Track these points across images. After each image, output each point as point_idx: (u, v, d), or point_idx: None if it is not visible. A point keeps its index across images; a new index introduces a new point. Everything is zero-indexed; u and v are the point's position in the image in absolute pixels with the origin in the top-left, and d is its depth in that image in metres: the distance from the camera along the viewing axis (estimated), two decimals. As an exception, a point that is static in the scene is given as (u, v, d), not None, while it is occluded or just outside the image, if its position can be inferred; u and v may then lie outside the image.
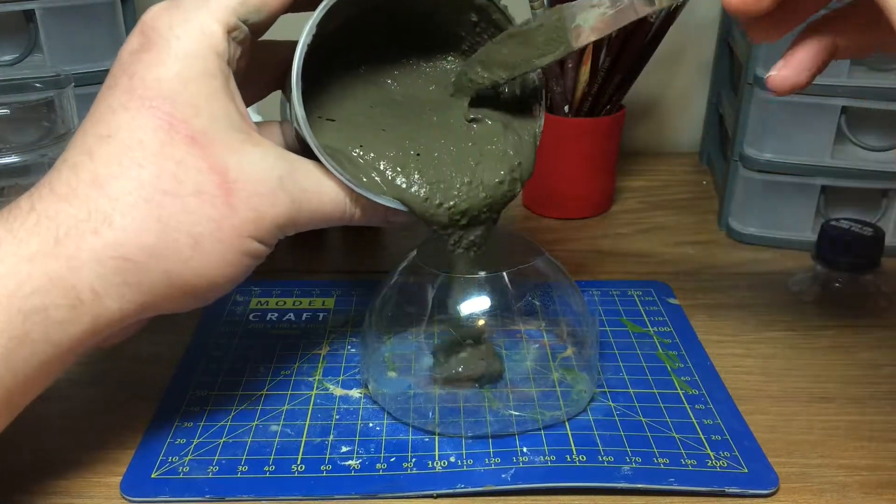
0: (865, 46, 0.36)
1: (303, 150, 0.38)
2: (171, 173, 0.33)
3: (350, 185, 0.37)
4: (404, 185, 0.38)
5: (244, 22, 0.35)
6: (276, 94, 0.43)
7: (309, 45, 0.36)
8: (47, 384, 0.34)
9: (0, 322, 0.31)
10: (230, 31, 0.35)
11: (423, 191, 0.38)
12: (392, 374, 0.43)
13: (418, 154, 0.39)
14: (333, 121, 0.39)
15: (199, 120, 0.34)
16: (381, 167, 0.38)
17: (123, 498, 0.37)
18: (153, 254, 0.33)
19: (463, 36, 0.41)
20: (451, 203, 0.38)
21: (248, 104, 0.37)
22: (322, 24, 0.36)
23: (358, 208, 0.38)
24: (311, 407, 0.43)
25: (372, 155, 0.38)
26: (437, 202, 0.38)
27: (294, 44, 0.36)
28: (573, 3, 0.36)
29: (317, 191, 0.37)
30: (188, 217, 0.34)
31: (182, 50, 0.34)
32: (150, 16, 0.35)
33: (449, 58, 0.42)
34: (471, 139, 0.40)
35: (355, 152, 0.38)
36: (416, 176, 0.38)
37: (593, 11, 0.35)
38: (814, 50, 0.34)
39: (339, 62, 0.41)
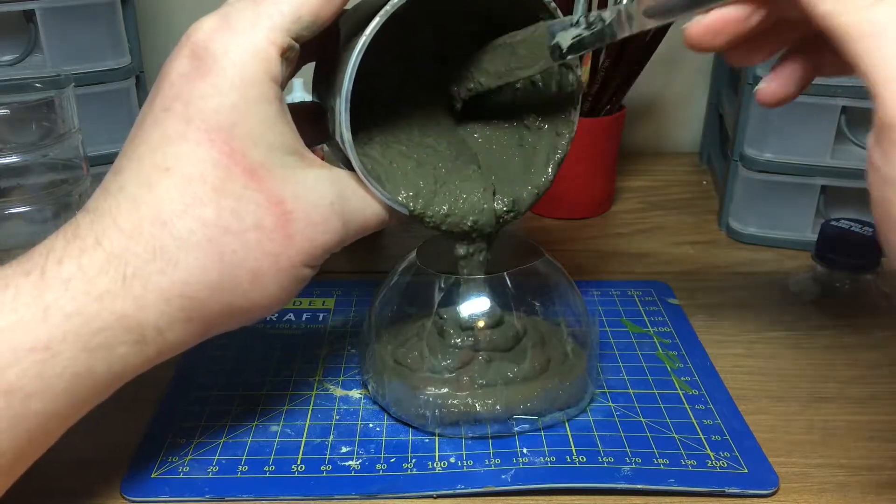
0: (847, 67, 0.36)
1: (342, 157, 0.39)
2: (231, 209, 0.33)
3: (390, 202, 0.38)
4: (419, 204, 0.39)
5: (295, 39, 0.35)
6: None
7: (359, 66, 0.35)
8: (100, 402, 0.35)
9: (66, 359, 0.31)
10: (283, 53, 0.34)
11: (442, 209, 0.40)
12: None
13: (438, 181, 0.40)
14: (377, 138, 0.40)
15: (257, 151, 0.34)
16: (407, 184, 0.39)
17: (123, 498, 0.37)
18: (216, 289, 0.34)
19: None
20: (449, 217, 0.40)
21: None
22: (370, 46, 0.35)
23: (394, 217, 0.39)
24: (311, 407, 0.43)
25: (404, 171, 0.40)
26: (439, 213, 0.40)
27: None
28: (554, 21, 0.37)
29: (362, 207, 0.37)
30: (248, 252, 0.34)
31: (238, 77, 0.33)
32: (202, 36, 0.34)
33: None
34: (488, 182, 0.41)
35: (393, 164, 0.39)
36: (433, 194, 0.40)
37: (570, 31, 0.36)
38: (799, 65, 0.35)
39: (388, 84, 0.42)
